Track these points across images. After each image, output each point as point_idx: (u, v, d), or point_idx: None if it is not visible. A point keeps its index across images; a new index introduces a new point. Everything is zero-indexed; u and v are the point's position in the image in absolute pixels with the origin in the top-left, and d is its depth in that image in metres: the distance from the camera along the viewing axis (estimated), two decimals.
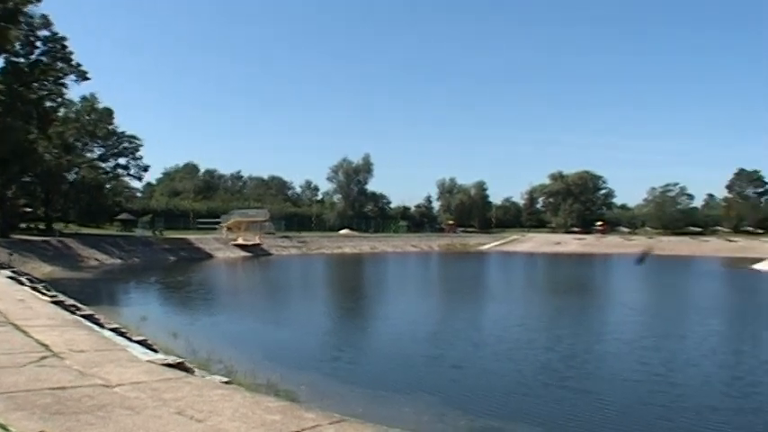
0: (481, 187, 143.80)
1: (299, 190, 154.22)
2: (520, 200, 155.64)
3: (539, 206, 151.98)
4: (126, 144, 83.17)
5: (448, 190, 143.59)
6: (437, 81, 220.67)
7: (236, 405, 5.11)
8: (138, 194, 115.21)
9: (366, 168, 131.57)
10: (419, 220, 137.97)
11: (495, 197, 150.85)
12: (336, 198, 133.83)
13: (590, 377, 18.44)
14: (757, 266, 65.89)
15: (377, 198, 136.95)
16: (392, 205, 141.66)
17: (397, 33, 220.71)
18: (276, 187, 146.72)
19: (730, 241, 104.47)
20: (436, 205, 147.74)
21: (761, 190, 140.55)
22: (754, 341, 25.85)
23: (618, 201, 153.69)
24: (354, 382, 17.18)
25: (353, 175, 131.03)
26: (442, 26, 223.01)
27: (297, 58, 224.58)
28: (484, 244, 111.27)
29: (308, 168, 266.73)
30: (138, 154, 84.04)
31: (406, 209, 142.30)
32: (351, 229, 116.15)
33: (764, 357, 22.17)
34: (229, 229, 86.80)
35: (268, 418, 4.72)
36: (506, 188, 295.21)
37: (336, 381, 17.28)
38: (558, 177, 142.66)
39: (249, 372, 15.79)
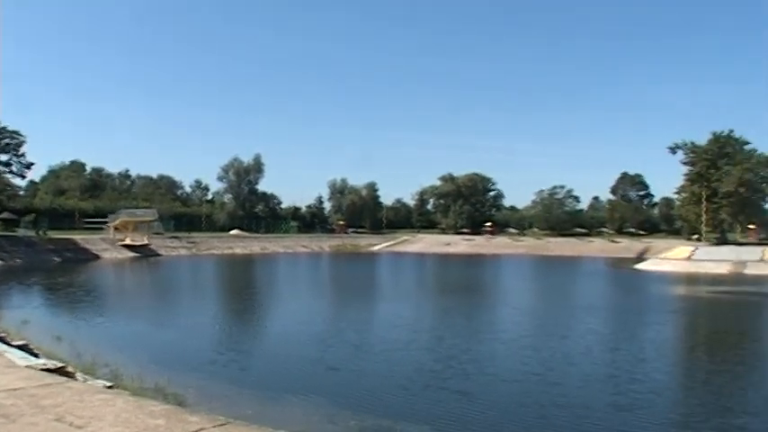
0: (372, 188, 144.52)
1: (188, 189, 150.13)
2: (410, 201, 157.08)
3: (429, 207, 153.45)
4: (8, 140, 79.63)
5: (339, 191, 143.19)
6: (328, 81, 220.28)
7: (118, 410, 5.06)
8: (21, 193, 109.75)
9: (257, 168, 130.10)
10: (310, 221, 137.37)
11: (386, 198, 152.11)
12: (227, 198, 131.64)
13: (470, 378, 18.73)
14: (639, 266, 69.37)
15: (268, 198, 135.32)
16: (283, 206, 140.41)
17: (285, 32, 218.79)
18: (165, 187, 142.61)
19: (614, 242, 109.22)
20: (327, 206, 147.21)
21: (642, 193, 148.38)
22: (631, 339, 27.04)
23: (507, 202, 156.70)
24: (244, 384, 17.09)
25: (244, 175, 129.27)
26: (333, 25, 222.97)
27: (185, 55, 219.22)
28: (375, 245, 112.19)
29: (198, 168, 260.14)
30: (20, 150, 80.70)
31: (296, 209, 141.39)
32: (241, 229, 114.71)
33: (641, 355, 23.12)
34: (117, 229, 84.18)
35: (151, 422, 4.71)
36: (397, 189, 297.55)
37: (226, 383, 17.12)
38: (448, 179, 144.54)
39: (136, 375, 15.50)
